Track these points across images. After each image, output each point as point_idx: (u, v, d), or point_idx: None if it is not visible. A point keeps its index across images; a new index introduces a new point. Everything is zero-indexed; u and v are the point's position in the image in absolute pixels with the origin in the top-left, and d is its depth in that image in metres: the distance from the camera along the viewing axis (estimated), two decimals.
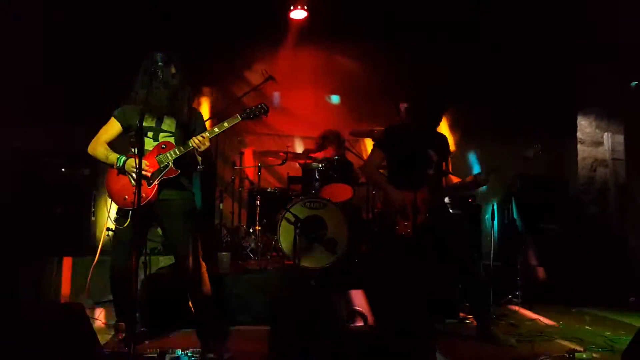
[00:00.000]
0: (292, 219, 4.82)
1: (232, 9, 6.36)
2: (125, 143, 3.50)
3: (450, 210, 5.07)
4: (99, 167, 5.47)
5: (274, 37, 6.82)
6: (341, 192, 5.53)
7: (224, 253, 5.01)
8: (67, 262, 5.11)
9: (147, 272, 4.58)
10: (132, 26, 6.13)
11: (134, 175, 3.28)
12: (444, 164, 4.18)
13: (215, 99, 6.85)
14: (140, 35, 5.95)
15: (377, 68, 7.09)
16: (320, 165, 5.53)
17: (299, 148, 6.79)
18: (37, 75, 5.89)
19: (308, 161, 5.72)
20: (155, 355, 3.28)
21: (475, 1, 6.23)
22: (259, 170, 5.90)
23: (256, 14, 6.39)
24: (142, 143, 3.07)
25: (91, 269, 4.16)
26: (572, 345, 3.82)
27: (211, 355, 3.33)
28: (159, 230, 3.95)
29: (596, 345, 3.84)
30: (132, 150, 3.33)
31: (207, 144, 3.37)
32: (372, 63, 7.15)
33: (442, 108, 4.15)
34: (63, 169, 5.45)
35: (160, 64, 3.36)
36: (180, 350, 3.32)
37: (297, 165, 6.14)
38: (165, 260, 5.14)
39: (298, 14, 6.46)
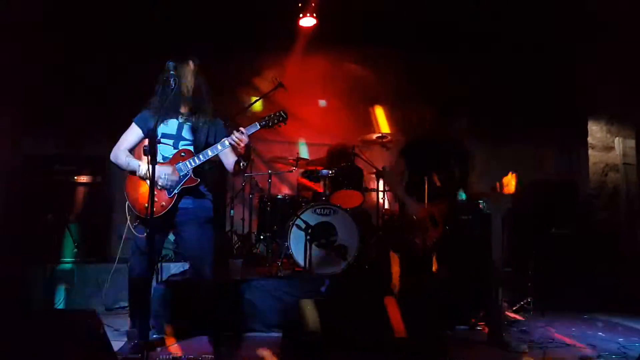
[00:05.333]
0: (303, 225, 4.83)
1: (241, 16, 6.41)
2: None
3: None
4: (112, 175, 5.56)
5: (284, 44, 6.85)
6: (351, 198, 5.55)
7: (235, 260, 5.03)
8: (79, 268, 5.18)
9: (159, 279, 4.63)
10: (143, 34, 6.19)
11: (158, 182, 3.31)
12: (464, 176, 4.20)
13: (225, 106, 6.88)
14: (150, 42, 6.02)
15: (387, 74, 7.10)
16: (330, 172, 5.55)
17: (308, 155, 6.77)
18: (50, 81, 5.95)
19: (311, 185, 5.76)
20: None
21: (483, 4, 6.22)
22: (270, 177, 5.92)
23: (265, 21, 6.43)
24: (155, 150, 3.08)
25: (109, 276, 4.18)
26: (585, 352, 3.79)
27: None
28: (171, 237, 3.97)
29: (609, 352, 3.81)
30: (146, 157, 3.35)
31: (246, 139, 3.33)
32: (381, 70, 7.17)
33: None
34: (75, 177, 5.51)
35: (172, 72, 3.38)
36: (192, 356, 3.34)
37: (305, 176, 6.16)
38: (176, 268, 5.17)
39: (307, 21, 6.48)
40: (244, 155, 3.44)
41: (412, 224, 3.96)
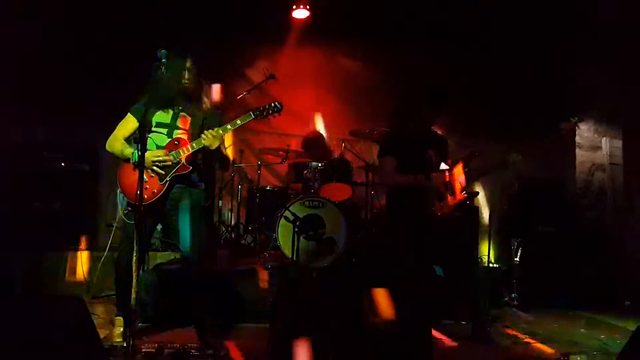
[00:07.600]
0: (291, 217, 4.83)
1: (234, 7, 6.38)
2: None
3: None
4: (100, 163, 5.54)
5: (276, 36, 6.83)
6: (340, 191, 5.56)
7: (222, 250, 5.01)
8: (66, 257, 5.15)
9: (145, 268, 4.61)
10: (135, 22, 6.13)
11: (152, 168, 3.33)
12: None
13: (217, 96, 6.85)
14: (141, 31, 5.97)
15: (379, 68, 7.10)
16: (319, 165, 5.56)
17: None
18: (38, 69, 5.89)
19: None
20: (154, 350, 3.29)
21: (475, 2, 6.25)
22: (259, 169, 5.91)
23: (258, 12, 6.41)
24: (145, 139, 3.07)
25: (100, 264, 4.15)
26: (567, 348, 3.84)
27: (209, 352, 3.34)
28: (158, 226, 3.96)
29: (591, 349, 3.87)
30: (136, 145, 3.34)
31: (217, 142, 3.35)
32: (373, 63, 7.17)
33: (440, 107, 4.14)
34: (63, 164, 5.47)
35: (164, 60, 3.37)
36: (178, 345, 3.34)
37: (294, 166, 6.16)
38: (162, 257, 5.16)
39: (300, 13, 6.48)
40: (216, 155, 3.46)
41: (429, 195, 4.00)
